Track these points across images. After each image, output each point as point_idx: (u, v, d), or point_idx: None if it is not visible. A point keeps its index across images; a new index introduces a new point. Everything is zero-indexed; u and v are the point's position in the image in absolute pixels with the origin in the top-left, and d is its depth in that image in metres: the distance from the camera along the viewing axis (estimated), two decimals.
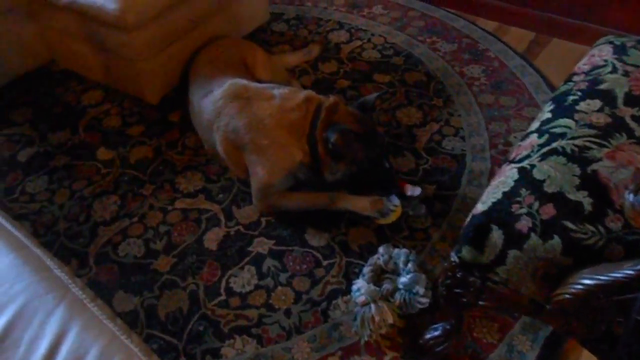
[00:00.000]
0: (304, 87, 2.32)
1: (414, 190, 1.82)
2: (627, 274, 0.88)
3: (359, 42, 2.68)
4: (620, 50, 1.40)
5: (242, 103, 1.82)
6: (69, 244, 1.80)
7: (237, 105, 1.82)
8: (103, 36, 2.18)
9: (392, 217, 1.77)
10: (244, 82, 1.91)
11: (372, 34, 2.74)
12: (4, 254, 1.05)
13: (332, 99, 1.81)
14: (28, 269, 1.02)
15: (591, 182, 1.05)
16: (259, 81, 2.02)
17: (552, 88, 2.31)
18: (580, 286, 0.96)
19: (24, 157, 2.13)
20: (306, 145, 1.76)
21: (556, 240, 1.00)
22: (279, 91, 1.84)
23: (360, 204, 1.75)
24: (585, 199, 1.02)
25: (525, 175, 1.11)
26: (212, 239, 1.80)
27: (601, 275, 0.93)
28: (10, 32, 2.35)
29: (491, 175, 1.96)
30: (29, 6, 2.35)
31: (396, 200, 1.78)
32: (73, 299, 0.98)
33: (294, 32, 2.79)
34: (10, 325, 0.92)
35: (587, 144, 1.12)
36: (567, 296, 0.99)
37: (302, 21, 2.87)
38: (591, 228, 0.99)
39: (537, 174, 1.10)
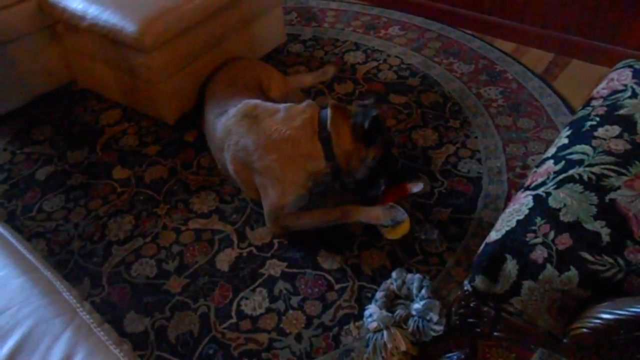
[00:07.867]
0: None
1: (417, 187, 1.81)
2: None
3: (375, 63, 2.68)
4: None
5: (250, 121, 1.84)
6: (83, 263, 1.81)
7: (246, 123, 1.84)
8: (122, 57, 2.22)
9: (400, 232, 1.75)
10: (257, 101, 1.93)
11: (389, 55, 2.74)
12: (15, 277, 1.05)
13: (331, 100, 1.91)
14: (37, 291, 1.02)
15: (609, 212, 1.01)
16: (274, 102, 2.03)
17: (572, 110, 2.27)
18: (598, 320, 0.92)
19: (43, 175, 2.16)
20: (318, 142, 1.77)
21: (573, 271, 0.96)
22: (284, 105, 1.88)
23: (374, 214, 1.75)
24: (603, 229, 0.99)
25: (540, 204, 1.08)
26: (224, 260, 1.79)
27: (621, 309, 0.89)
28: (33, 53, 2.42)
29: (508, 198, 1.92)
30: (51, 28, 2.42)
31: (404, 213, 1.77)
32: (80, 323, 0.98)
33: (310, 53, 2.81)
34: (17, 349, 0.93)
35: (605, 171, 1.09)
36: (585, 330, 0.95)
37: (318, 42, 2.88)
38: (609, 260, 0.95)
39: (552, 202, 1.06)
